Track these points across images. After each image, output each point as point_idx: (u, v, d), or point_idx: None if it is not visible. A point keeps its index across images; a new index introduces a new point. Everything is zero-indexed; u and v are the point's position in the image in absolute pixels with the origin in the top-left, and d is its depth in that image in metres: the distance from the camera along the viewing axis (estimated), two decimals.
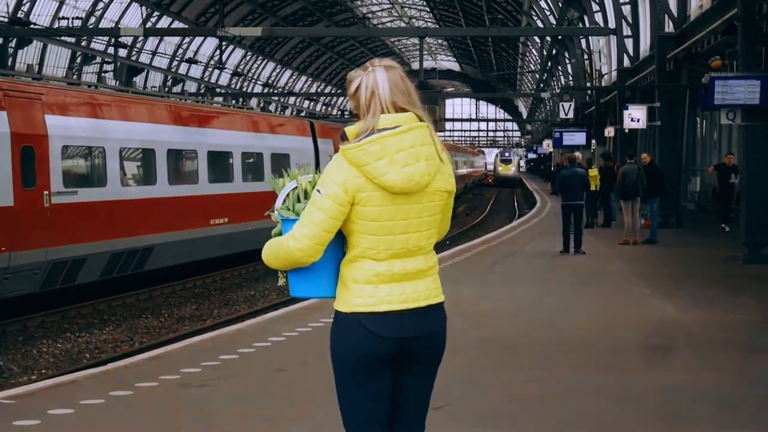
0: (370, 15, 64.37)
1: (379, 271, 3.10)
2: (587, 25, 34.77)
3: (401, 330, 3.13)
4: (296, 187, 3.26)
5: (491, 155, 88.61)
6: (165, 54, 49.77)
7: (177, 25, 42.95)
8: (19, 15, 34.22)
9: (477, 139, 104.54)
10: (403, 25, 64.28)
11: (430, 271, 3.21)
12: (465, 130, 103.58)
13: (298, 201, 3.22)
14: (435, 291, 3.20)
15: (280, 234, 3.18)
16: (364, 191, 3.04)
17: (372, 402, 3.22)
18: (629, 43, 29.69)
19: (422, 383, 3.31)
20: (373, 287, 3.11)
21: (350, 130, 3.19)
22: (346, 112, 66.62)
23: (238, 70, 60.69)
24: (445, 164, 3.19)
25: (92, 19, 41.15)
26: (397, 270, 3.12)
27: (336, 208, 3.03)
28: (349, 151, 3.05)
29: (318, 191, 3.07)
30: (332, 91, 75.44)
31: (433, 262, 3.23)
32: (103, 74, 41.83)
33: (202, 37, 48.97)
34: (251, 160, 21.89)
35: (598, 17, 33.65)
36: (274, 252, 3.14)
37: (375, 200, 3.05)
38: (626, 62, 30.00)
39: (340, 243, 3.19)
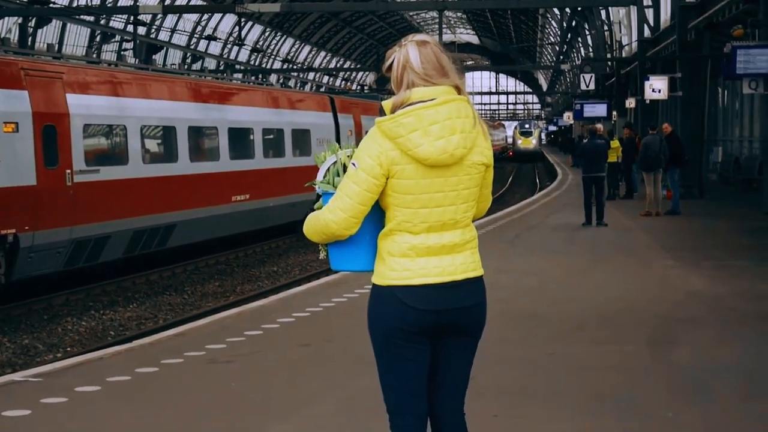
0: None
1: (414, 244, 3.17)
2: None
3: (436, 302, 3.19)
4: (336, 162, 3.32)
5: (511, 128, 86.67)
6: (184, 31, 50.43)
7: (195, 2, 41.34)
8: None
9: (497, 112, 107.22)
10: None
11: (468, 245, 3.27)
12: (485, 104, 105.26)
13: (338, 175, 3.29)
14: (473, 264, 3.26)
15: (321, 208, 3.24)
16: (398, 164, 3.11)
17: (409, 375, 3.27)
18: (650, 14, 30.08)
19: (461, 357, 3.37)
20: (409, 260, 3.20)
21: (386, 103, 3.25)
22: (366, 87, 67.34)
23: (257, 46, 61.26)
24: (482, 137, 3.23)
25: None
26: (433, 243, 3.19)
27: (370, 181, 3.12)
28: (384, 124, 3.13)
29: (353, 164, 3.15)
30: (351, 66, 75.78)
31: (470, 235, 3.30)
32: (122, 53, 41.93)
33: (221, 14, 48.33)
34: (272, 137, 22.09)
35: None
36: (312, 225, 3.21)
37: (410, 173, 3.12)
38: (647, 33, 30.40)
39: (379, 217, 3.26)
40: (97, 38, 43.06)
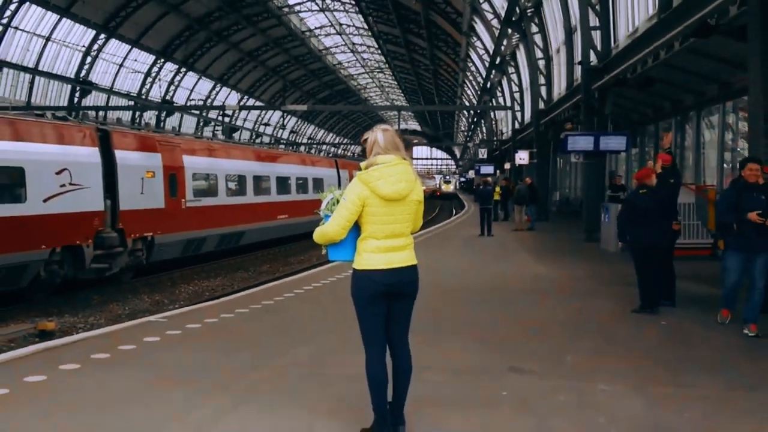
0: (368, 98, 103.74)
1: (378, 245, 4.75)
2: (495, 103, 52.02)
3: (390, 279, 4.69)
4: (333, 198, 4.84)
5: (438, 179, 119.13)
6: (251, 120, 74.97)
7: (258, 103, 67.74)
8: (168, 97, 55.24)
9: (431, 169, 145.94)
10: (387, 103, 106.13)
11: (408, 246, 4.80)
12: (424, 165, 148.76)
13: (334, 205, 4.79)
14: (411, 257, 4.80)
15: (323, 224, 4.80)
16: (369, 198, 4.69)
17: (377, 321, 4.82)
18: (519, 115, 43.72)
19: (405, 310, 4.89)
20: (375, 255, 4.68)
21: (363, 164, 4.76)
22: (356, 154, 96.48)
23: (293, 129, 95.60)
24: (417, 184, 4.82)
25: (210, 99, 63.75)
26: (389, 245, 4.76)
27: (353, 208, 4.70)
28: (361, 175, 4.66)
29: (344, 199, 4.65)
30: (346, 142, 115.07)
31: (410, 241, 4.84)
32: (215, 131, 59.62)
33: (273, 111, 75.59)
34: (301, 182, 31.71)
35: (501, 99, 52.09)
36: (319, 234, 4.75)
37: (376, 204, 4.71)
38: (517, 125, 43.71)
39: (357, 229, 4.73)
40: (201, 123, 62.59)
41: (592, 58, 21.65)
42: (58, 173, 15.71)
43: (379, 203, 4.69)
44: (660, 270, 9.97)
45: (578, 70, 24.13)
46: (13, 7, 37.53)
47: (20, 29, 39.50)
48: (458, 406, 5.69)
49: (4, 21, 37.54)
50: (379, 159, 4.76)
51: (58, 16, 41.04)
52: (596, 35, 21.60)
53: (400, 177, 4.72)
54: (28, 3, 37.90)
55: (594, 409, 5.68)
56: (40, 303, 15.48)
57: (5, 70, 39.67)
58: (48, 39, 41.74)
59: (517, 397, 5.99)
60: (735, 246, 8.47)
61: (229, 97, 66.03)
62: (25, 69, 40.73)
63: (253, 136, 76.65)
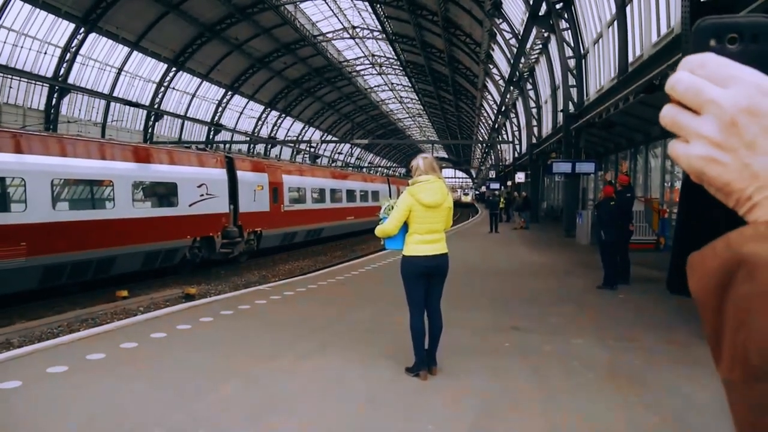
0: (410, 134, 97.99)
1: (421, 239, 4.74)
2: (501, 138, 50.08)
3: (429, 262, 4.73)
4: (388, 205, 4.97)
5: (459, 192, 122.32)
6: (328, 150, 77.01)
7: (334, 138, 68.21)
8: (272, 134, 53.89)
9: (454, 184, 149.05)
10: (424, 138, 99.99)
11: (442, 240, 4.82)
12: (449, 182, 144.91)
13: (389, 210, 4.90)
14: (443, 248, 4.78)
15: (381, 224, 4.86)
16: (414, 205, 4.70)
17: (419, 292, 4.79)
18: (518, 147, 42.45)
19: (438, 285, 4.90)
20: (418, 245, 4.73)
21: (410, 181, 4.85)
22: (401, 173, 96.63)
23: (358, 156, 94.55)
24: (448, 196, 4.82)
25: (301, 135, 62.86)
26: (429, 238, 4.74)
27: (404, 212, 4.71)
28: (410, 189, 4.74)
29: (397, 205, 4.76)
30: (395, 165, 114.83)
31: (443, 236, 4.83)
32: (304, 157, 61.13)
33: (344, 144, 78.06)
34: (362, 193, 31.33)
35: (505, 135, 48.94)
36: (380, 230, 4.84)
37: (419, 209, 4.71)
38: (516, 154, 42.51)
39: (405, 227, 4.80)
40: (294, 152, 60.04)
41: (571, 107, 21.38)
42: (198, 186, 16.04)
43: (422, 209, 4.71)
44: (617, 258, 9.84)
45: (560, 116, 23.86)
46: (162, 68, 38.38)
47: (158, 84, 40.37)
48: (474, 354, 5.69)
49: (166, 83, 38.46)
50: (421, 178, 4.79)
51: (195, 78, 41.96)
52: (574, 91, 21.34)
53: (436, 191, 4.75)
54: (181, 72, 38.73)
55: (570, 355, 5.64)
56: (186, 275, 15.82)
57: (165, 117, 40.58)
58: (193, 96, 42.65)
59: (516, 347, 5.96)
60: None
61: (314, 134, 66.61)
62: (176, 115, 41.62)
63: (330, 162, 76.87)
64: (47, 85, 30.18)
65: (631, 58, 16.63)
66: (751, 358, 0.46)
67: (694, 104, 0.51)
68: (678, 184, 16.87)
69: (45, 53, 29.28)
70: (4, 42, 27.38)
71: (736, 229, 0.49)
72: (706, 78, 0.51)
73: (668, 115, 0.53)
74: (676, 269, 0.58)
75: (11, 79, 28.70)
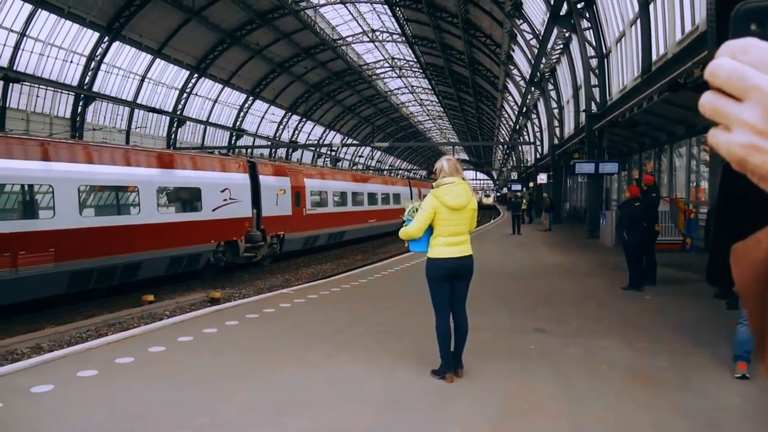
0: (431, 136, 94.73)
1: (445, 241, 4.68)
2: (522, 140, 49.03)
3: (454, 264, 4.68)
4: (412, 207, 4.91)
5: (480, 194, 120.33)
6: (349, 153, 76.46)
7: (354, 141, 68.42)
8: (293, 138, 54.00)
9: (476, 187, 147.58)
10: (444, 140, 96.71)
11: (466, 242, 4.75)
12: (472, 183, 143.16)
13: (414, 212, 4.83)
14: (468, 249, 4.73)
15: (405, 226, 4.80)
16: (439, 208, 4.65)
17: (444, 294, 4.73)
18: (539, 148, 42.67)
19: (463, 287, 4.85)
20: (443, 248, 4.69)
21: (435, 183, 4.81)
22: (422, 176, 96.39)
23: (379, 159, 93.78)
24: (472, 198, 4.76)
25: (322, 139, 63.10)
26: (453, 240, 4.69)
27: (428, 215, 4.65)
28: (434, 192, 4.70)
29: (421, 208, 4.72)
30: (416, 167, 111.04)
31: (467, 238, 4.77)
32: (325, 161, 60.08)
33: (365, 147, 78.42)
34: (383, 196, 30.94)
35: (527, 137, 47.59)
36: (404, 232, 4.72)
37: (444, 212, 4.66)
38: (538, 155, 42.95)
39: (429, 230, 4.72)
40: (316, 156, 61.27)
41: (593, 107, 21.16)
42: (222, 191, 16.20)
43: (446, 211, 4.68)
44: (644, 259, 9.72)
45: (583, 116, 23.61)
46: (185, 75, 38.88)
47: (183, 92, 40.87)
48: (499, 356, 5.67)
49: (187, 90, 38.94)
50: (446, 180, 4.75)
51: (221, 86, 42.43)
52: (596, 91, 21.14)
53: (460, 193, 4.72)
54: (203, 77, 39.20)
55: (594, 358, 5.59)
56: (210, 279, 15.98)
57: (188, 123, 41.08)
58: (215, 101, 43.13)
59: (540, 349, 5.93)
60: None
61: (335, 137, 66.80)
62: (199, 121, 42.11)
63: (351, 165, 76.97)
64: (73, 93, 30.76)
65: (654, 57, 16.43)
66: None
67: (736, 90, 0.49)
68: (704, 184, 16.61)
69: (71, 62, 29.85)
70: (32, 52, 27.97)
71: None
72: (748, 64, 0.49)
73: (708, 102, 0.51)
74: (715, 260, 0.58)
75: (38, 88, 29.30)
